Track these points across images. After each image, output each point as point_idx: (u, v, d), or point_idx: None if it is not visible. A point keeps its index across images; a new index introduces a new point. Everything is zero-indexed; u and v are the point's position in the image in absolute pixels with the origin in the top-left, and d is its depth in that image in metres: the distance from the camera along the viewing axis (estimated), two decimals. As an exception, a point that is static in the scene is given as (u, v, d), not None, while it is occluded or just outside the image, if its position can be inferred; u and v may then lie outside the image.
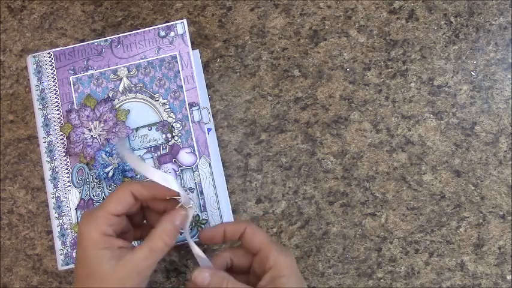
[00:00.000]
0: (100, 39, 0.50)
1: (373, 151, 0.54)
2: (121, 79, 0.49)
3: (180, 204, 0.38)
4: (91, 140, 0.48)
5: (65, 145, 0.49)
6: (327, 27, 0.56)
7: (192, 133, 0.48)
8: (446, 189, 0.53)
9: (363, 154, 0.54)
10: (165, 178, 0.36)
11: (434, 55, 0.55)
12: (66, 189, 0.48)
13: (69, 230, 0.47)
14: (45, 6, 0.58)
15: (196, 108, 0.48)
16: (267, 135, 0.55)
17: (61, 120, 0.49)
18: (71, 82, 0.49)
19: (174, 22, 0.50)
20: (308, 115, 0.55)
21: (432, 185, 0.53)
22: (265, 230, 0.53)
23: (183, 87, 0.49)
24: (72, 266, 0.47)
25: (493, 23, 0.55)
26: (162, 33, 0.50)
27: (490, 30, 0.55)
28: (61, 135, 0.49)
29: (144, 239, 0.37)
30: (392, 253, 0.52)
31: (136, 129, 0.49)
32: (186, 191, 0.38)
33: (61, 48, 0.50)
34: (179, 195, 0.38)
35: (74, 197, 0.48)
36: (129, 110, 0.49)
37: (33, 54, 0.50)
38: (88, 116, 0.49)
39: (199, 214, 0.47)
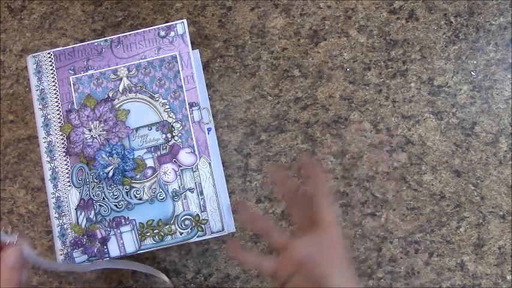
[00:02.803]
0: (100, 39, 0.50)
1: (373, 151, 0.54)
2: (121, 79, 0.49)
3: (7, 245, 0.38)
4: (91, 140, 0.48)
5: (65, 145, 0.49)
6: (327, 27, 0.56)
7: (192, 133, 0.48)
8: (446, 189, 0.53)
9: (363, 154, 0.54)
10: None
11: (434, 55, 0.55)
12: (66, 189, 0.48)
13: (69, 230, 0.47)
14: (45, 6, 0.58)
15: (196, 108, 0.48)
16: (267, 135, 0.55)
17: (61, 120, 0.49)
18: (71, 82, 0.49)
19: (174, 22, 0.50)
20: (308, 115, 0.55)
21: (432, 185, 0.53)
22: (265, 230, 0.54)
23: (183, 87, 0.49)
24: (72, 266, 0.47)
25: (493, 23, 0.55)
26: (162, 33, 0.50)
27: (490, 30, 0.55)
28: (61, 135, 0.49)
29: None
30: (392, 253, 0.52)
31: (136, 129, 0.49)
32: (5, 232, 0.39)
33: (61, 48, 0.50)
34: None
35: (74, 197, 0.48)
36: (129, 110, 0.49)
37: (33, 54, 0.50)
38: (88, 116, 0.49)
39: (199, 214, 0.47)
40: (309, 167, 0.40)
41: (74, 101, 0.49)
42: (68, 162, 0.48)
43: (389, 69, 0.55)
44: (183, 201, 0.47)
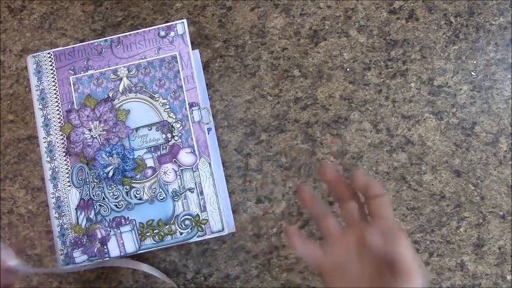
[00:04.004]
0: (100, 39, 0.50)
1: (373, 151, 0.54)
2: (121, 79, 0.49)
3: None
4: (91, 140, 0.48)
5: (65, 145, 0.49)
6: (327, 27, 0.56)
7: (192, 133, 0.48)
8: (446, 189, 0.53)
9: (363, 154, 0.54)
10: None
11: (434, 55, 0.55)
12: (66, 189, 0.48)
13: (69, 230, 0.47)
14: (45, 6, 0.58)
15: (196, 108, 0.48)
16: (267, 135, 0.55)
17: (61, 120, 0.49)
18: (71, 82, 0.49)
19: (174, 22, 0.50)
20: (308, 115, 0.55)
21: (432, 185, 0.53)
22: (265, 230, 0.54)
23: (183, 87, 0.49)
24: (72, 266, 0.47)
25: (493, 23, 0.55)
26: (162, 33, 0.50)
27: (490, 30, 0.55)
28: (61, 135, 0.49)
29: None
30: (392, 253, 0.52)
31: (136, 129, 0.49)
32: None
33: (61, 48, 0.50)
34: None
35: (74, 197, 0.48)
36: (129, 110, 0.49)
37: (33, 54, 0.50)
38: (88, 116, 0.49)
39: (199, 214, 0.47)
40: (372, 193, 0.36)
41: (74, 101, 0.49)
42: (68, 162, 0.48)
43: (389, 69, 0.55)
44: (183, 201, 0.47)
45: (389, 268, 0.33)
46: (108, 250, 0.47)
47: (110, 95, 0.49)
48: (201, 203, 0.47)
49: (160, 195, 0.48)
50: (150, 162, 0.48)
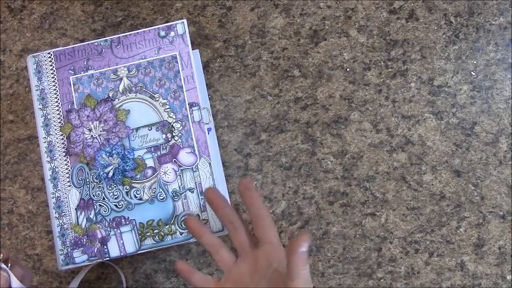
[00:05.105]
0: (100, 39, 0.50)
1: (373, 151, 0.54)
2: (121, 79, 0.49)
3: None
4: (91, 140, 0.48)
5: (65, 145, 0.49)
6: (327, 27, 0.56)
7: (192, 133, 0.48)
8: (446, 189, 0.53)
9: (363, 154, 0.54)
10: None
11: (434, 55, 0.55)
12: (66, 189, 0.48)
13: (69, 230, 0.47)
14: (45, 6, 0.58)
15: (196, 108, 0.48)
16: (267, 135, 0.55)
17: (61, 120, 0.49)
18: (71, 82, 0.49)
19: (174, 22, 0.50)
20: (308, 115, 0.55)
21: (432, 185, 0.53)
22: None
23: (183, 87, 0.49)
24: (72, 266, 0.47)
25: (493, 23, 0.55)
26: (162, 33, 0.50)
27: (490, 30, 0.55)
28: (61, 135, 0.49)
29: None
30: (392, 253, 0.52)
31: (137, 129, 0.49)
32: None
33: (61, 48, 0.50)
34: None
35: (74, 197, 0.48)
36: (129, 110, 0.49)
37: (33, 54, 0.50)
38: (88, 116, 0.49)
39: (199, 214, 0.47)
40: (245, 195, 0.43)
41: (74, 101, 0.49)
42: (68, 162, 0.48)
43: (389, 69, 0.55)
44: (183, 201, 0.47)
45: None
46: (108, 250, 0.47)
47: (110, 95, 0.49)
48: (201, 203, 0.47)
49: (160, 195, 0.48)
50: (150, 162, 0.48)
